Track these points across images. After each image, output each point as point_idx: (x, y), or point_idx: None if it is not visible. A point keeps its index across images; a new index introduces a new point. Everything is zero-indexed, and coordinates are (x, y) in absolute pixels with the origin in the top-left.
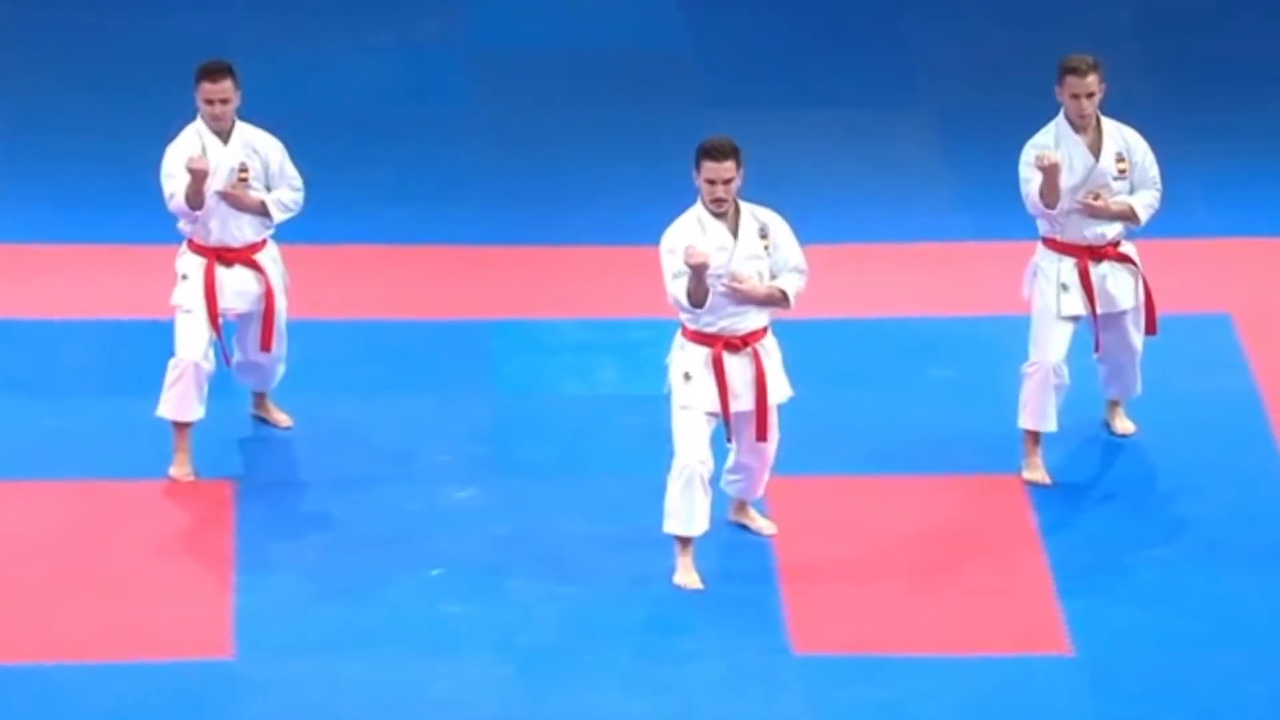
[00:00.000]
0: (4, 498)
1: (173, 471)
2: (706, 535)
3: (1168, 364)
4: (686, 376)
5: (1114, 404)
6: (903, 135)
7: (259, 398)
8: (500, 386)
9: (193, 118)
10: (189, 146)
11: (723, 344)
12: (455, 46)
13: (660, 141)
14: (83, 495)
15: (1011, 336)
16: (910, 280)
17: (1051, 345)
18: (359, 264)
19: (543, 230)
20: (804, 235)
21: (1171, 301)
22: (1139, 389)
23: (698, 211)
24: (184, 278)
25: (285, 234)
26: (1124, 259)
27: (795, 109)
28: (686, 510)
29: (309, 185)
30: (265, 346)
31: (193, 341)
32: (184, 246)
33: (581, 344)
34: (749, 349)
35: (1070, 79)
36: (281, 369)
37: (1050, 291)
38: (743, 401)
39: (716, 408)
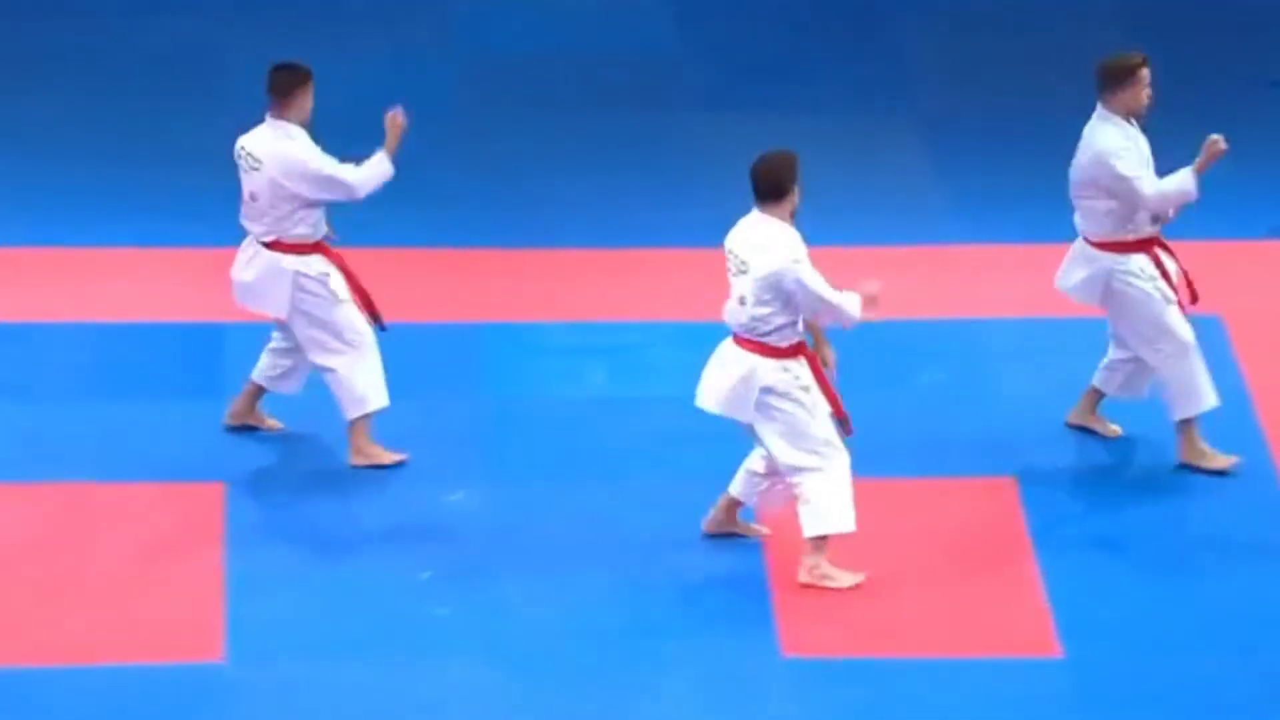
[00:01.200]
0: None
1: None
2: (698, 538)
3: None
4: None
5: (1094, 406)
6: (891, 140)
7: (249, 404)
8: (490, 389)
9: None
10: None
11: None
12: (444, 51)
13: (650, 146)
14: (74, 498)
15: (1001, 339)
16: (900, 284)
17: (1181, 327)
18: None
19: (532, 233)
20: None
21: None
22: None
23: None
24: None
25: None
26: (1169, 251)
27: (784, 114)
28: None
29: None
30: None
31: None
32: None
33: (571, 347)
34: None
35: (1142, 72)
36: None
37: (1149, 285)
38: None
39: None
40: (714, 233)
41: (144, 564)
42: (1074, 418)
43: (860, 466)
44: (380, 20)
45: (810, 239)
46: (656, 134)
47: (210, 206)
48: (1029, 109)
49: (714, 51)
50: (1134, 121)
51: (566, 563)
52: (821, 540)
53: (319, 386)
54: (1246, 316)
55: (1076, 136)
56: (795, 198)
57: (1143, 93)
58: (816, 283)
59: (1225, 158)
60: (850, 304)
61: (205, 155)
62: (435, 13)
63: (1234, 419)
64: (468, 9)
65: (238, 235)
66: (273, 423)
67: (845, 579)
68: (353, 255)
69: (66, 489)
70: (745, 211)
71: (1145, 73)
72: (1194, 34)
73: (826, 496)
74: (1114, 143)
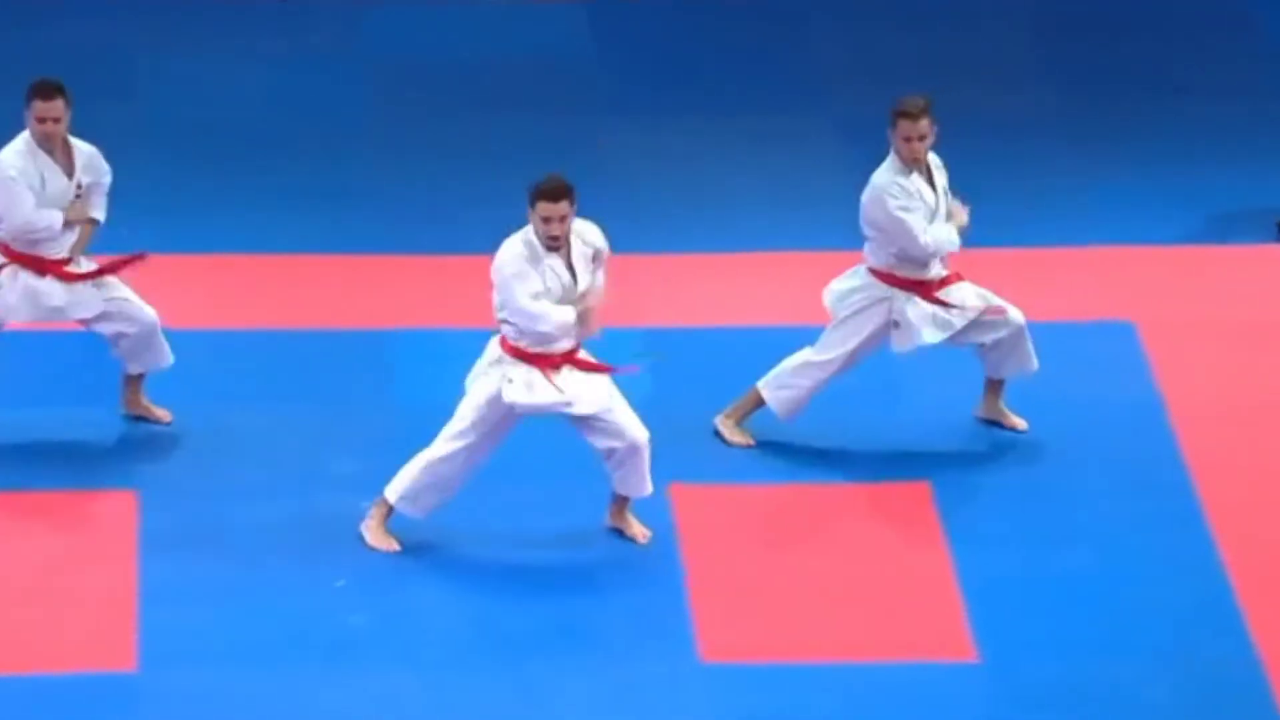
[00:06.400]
0: None
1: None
2: (614, 542)
3: (1072, 370)
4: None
5: (999, 396)
6: (805, 142)
7: (134, 393)
8: (400, 396)
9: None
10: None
11: (549, 362)
12: (352, 56)
13: (563, 151)
14: None
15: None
16: (814, 288)
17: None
18: (254, 274)
19: (440, 240)
20: (703, 243)
21: (1075, 309)
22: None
23: (527, 236)
24: None
25: (182, 244)
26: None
27: (698, 117)
28: None
29: (206, 194)
30: None
31: None
32: None
33: (479, 353)
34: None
35: (903, 123)
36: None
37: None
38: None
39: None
40: (623, 239)
41: (55, 572)
42: (983, 411)
43: (776, 473)
44: (289, 26)
45: (719, 243)
46: (570, 139)
47: (125, 211)
48: (942, 109)
49: (629, 55)
50: (910, 166)
51: (481, 569)
52: None
53: (226, 396)
54: (1158, 322)
55: (986, 139)
56: (532, 219)
57: (901, 140)
58: (515, 293)
59: (1136, 162)
60: (558, 313)
61: (109, 162)
62: (342, 18)
63: (1146, 426)
64: (379, 15)
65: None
66: (161, 413)
67: None
68: (257, 261)
69: None
70: (658, 216)
71: (906, 124)
72: (1106, 35)
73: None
74: (884, 183)
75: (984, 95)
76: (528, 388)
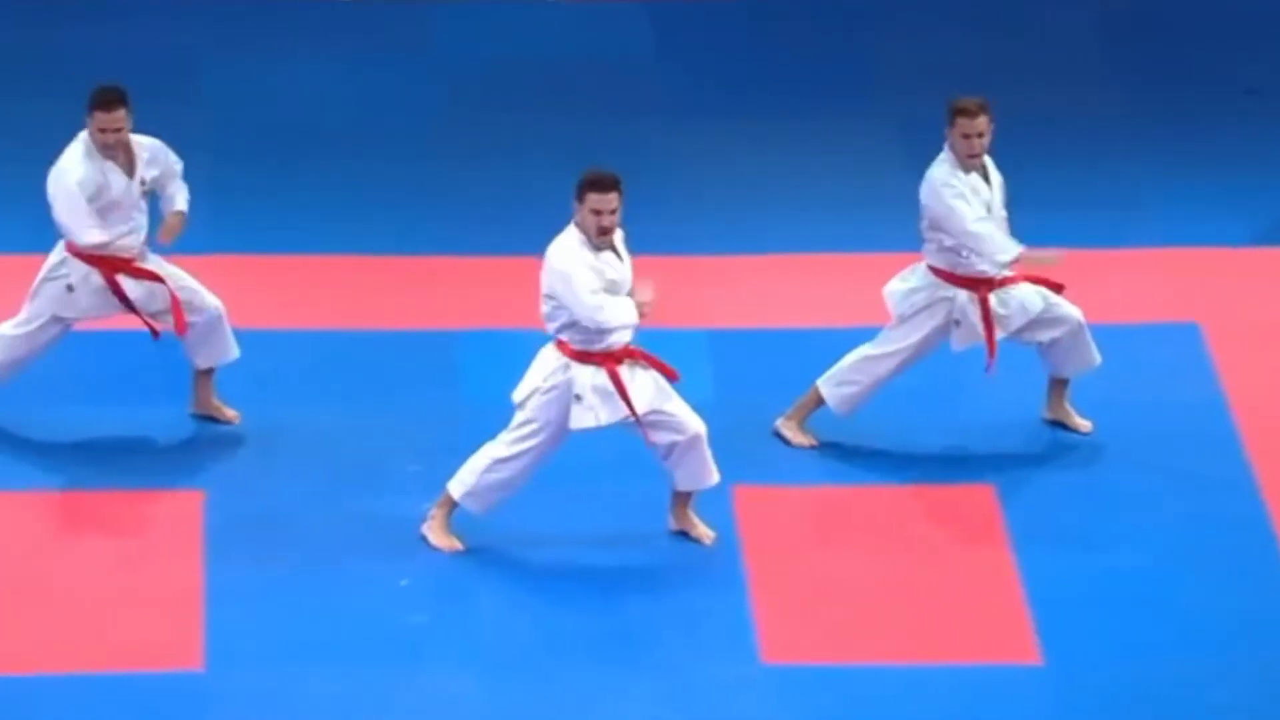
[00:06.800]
0: None
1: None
2: (676, 543)
3: (1136, 372)
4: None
5: (1064, 396)
6: (867, 144)
7: (204, 393)
8: (465, 397)
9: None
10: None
11: (613, 359)
12: (416, 57)
13: (625, 152)
14: (52, 505)
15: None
16: (875, 290)
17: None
18: (321, 274)
19: (504, 240)
20: (764, 244)
21: (1140, 310)
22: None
23: (576, 233)
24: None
25: (249, 244)
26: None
27: (759, 118)
28: None
29: (273, 194)
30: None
31: None
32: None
33: None
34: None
35: (961, 120)
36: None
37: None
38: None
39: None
40: (684, 240)
41: (123, 571)
42: (1048, 412)
43: (840, 474)
44: (355, 26)
45: (783, 244)
46: (633, 140)
47: (190, 212)
48: (1004, 111)
49: (691, 57)
50: (967, 164)
51: (543, 569)
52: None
53: (293, 396)
54: (1223, 324)
55: (1052, 141)
56: (582, 213)
57: (960, 137)
58: (578, 290)
59: (1202, 163)
60: (620, 307)
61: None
62: (411, 19)
63: (1210, 427)
64: (444, 15)
65: (216, 241)
66: (230, 413)
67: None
68: (328, 262)
69: (45, 496)
70: (719, 217)
71: (964, 121)
72: (1173, 33)
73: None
74: (942, 175)
75: (1049, 96)
76: (593, 410)
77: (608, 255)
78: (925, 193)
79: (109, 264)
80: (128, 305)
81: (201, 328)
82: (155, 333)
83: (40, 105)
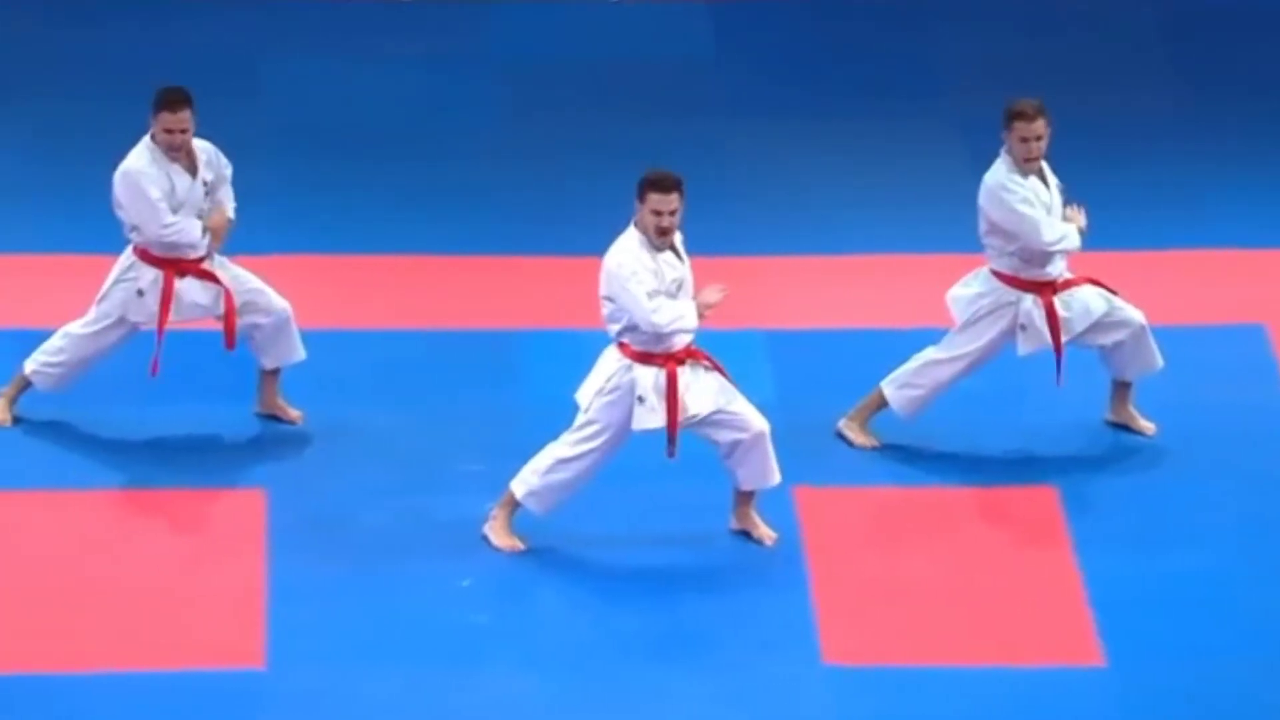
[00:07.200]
0: (36, 507)
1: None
2: (737, 543)
3: (1200, 374)
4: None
5: (1127, 398)
6: (927, 146)
7: (270, 392)
8: (528, 397)
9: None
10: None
11: (675, 359)
12: (476, 57)
13: (685, 152)
14: (116, 504)
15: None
16: (936, 291)
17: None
18: (385, 274)
19: (565, 240)
20: (825, 245)
21: (1204, 312)
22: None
23: (638, 237)
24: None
25: (310, 244)
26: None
27: (819, 119)
28: None
29: (332, 195)
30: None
31: None
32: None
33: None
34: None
35: (1019, 124)
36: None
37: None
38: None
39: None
40: (745, 241)
41: (185, 569)
42: (1112, 414)
43: (902, 475)
44: (413, 26)
45: (844, 245)
46: (693, 140)
47: (252, 213)
48: (1066, 111)
49: (750, 57)
50: (1025, 168)
51: (604, 570)
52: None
53: (356, 396)
54: None
55: (1115, 140)
56: (643, 213)
57: (1018, 141)
58: (634, 293)
59: (1269, 164)
60: (674, 308)
61: (237, 164)
62: (471, 20)
63: (1275, 429)
64: (504, 17)
65: (279, 241)
66: (293, 413)
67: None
68: (390, 262)
69: (109, 495)
70: (780, 218)
71: (1022, 125)
72: (1236, 31)
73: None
74: (1002, 179)
75: (1111, 97)
76: (655, 411)
77: (667, 255)
78: (985, 198)
79: (177, 267)
80: (190, 312)
81: (269, 328)
82: (230, 343)
83: (102, 107)
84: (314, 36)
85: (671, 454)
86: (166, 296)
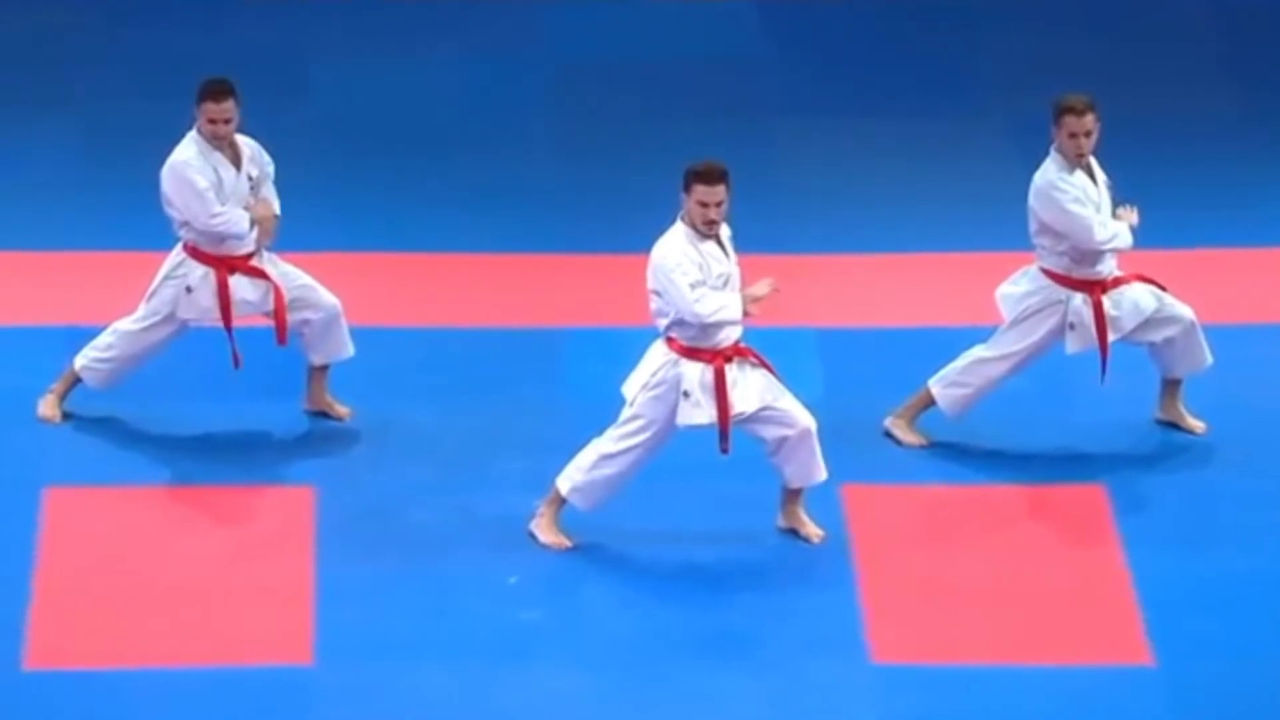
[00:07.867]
0: (85, 503)
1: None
2: (785, 541)
3: (1252, 373)
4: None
5: (1177, 396)
6: (976, 145)
7: (318, 389)
8: (572, 394)
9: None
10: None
11: (722, 355)
12: (525, 56)
13: (733, 151)
14: (166, 500)
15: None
16: (984, 289)
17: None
18: (432, 272)
19: (612, 238)
20: (873, 243)
21: (1256, 310)
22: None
23: (684, 230)
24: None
25: (357, 242)
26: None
27: (868, 118)
28: None
29: (380, 193)
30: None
31: None
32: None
33: None
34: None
35: (1069, 119)
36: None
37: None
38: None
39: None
40: (793, 239)
41: (234, 565)
42: (1161, 413)
43: (950, 473)
44: (463, 25)
45: (895, 244)
46: (743, 139)
47: (301, 210)
48: (1122, 112)
49: (801, 57)
50: (1074, 163)
51: (652, 567)
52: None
53: (401, 393)
54: None
55: (1167, 139)
56: (689, 204)
57: (1067, 136)
58: (678, 286)
59: None
60: (718, 301)
61: (286, 162)
62: (521, 19)
63: None
64: (554, 16)
65: (327, 239)
66: (342, 409)
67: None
68: (436, 260)
69: (159, 491)
70: (829, 216)
71: (1072, 120)
72: None
73: None
74: (1055, 179)
75: (1163, 95)
76: (701, 407)
77: (714, 249)
78: (1035, 199)
79: (226, 263)
80: (240, 309)
81: (318, 325)
82: (282, 339)
83: (154, 106)
84: (363, 37)
85: (725, 450)
86: (224, 293)
